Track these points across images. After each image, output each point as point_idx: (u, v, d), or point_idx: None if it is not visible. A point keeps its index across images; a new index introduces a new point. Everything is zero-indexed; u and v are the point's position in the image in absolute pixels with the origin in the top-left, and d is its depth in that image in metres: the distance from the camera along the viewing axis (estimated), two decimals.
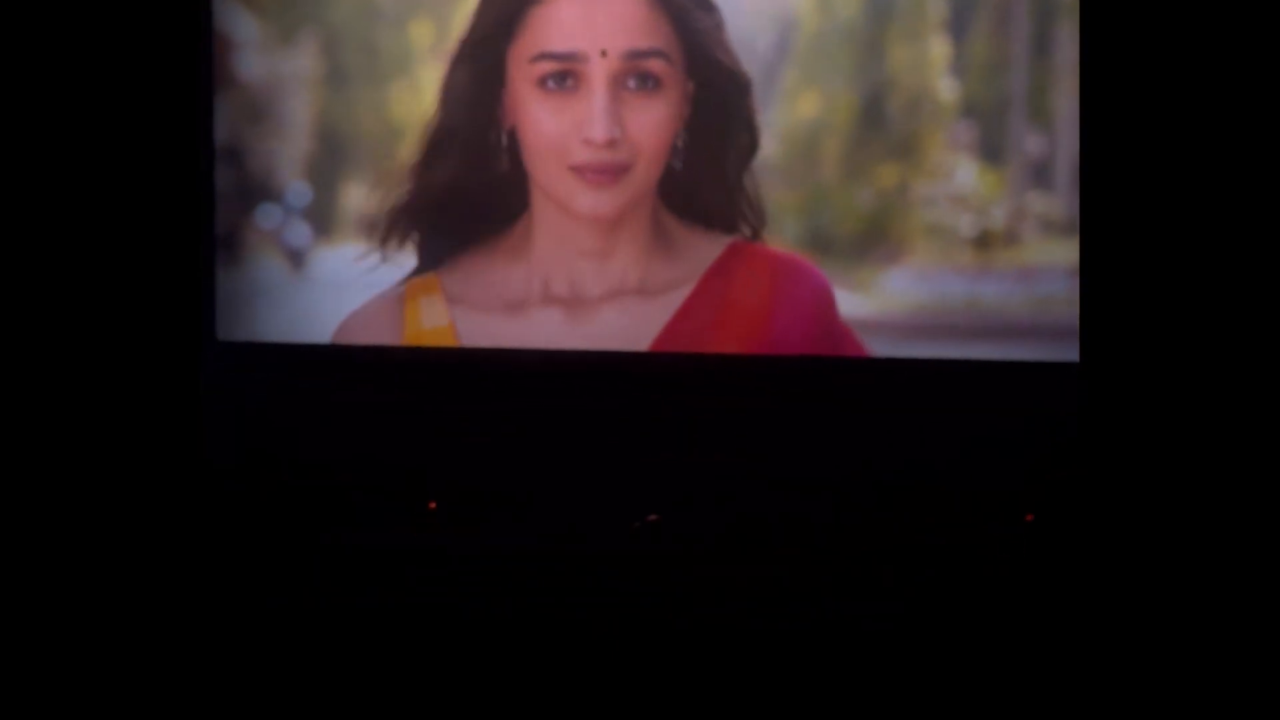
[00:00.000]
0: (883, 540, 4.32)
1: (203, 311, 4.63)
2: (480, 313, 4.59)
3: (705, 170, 4.48)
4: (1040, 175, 4.53)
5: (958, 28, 4.54)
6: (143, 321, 4.62)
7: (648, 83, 4.40)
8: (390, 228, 4.56)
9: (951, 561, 4.20)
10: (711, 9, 4.45)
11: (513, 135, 4.48)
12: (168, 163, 4.63)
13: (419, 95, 4.58)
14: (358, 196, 4.65)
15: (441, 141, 4.52)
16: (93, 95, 4.60)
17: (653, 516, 4.41)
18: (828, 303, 4.54)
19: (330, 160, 4.69)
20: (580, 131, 4.40)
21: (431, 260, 4.59)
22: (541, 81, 4.42)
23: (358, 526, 4.42)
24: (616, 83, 4.39)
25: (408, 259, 4.57)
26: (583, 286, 4.57)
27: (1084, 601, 3.94)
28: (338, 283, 4.65)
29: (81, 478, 4.46)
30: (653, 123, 4.42)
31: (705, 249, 4.54)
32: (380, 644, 3.80)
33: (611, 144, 4.40)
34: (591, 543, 4.34)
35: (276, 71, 4.70)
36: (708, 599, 4.03)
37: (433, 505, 4.54)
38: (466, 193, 4.53)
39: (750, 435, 4.54)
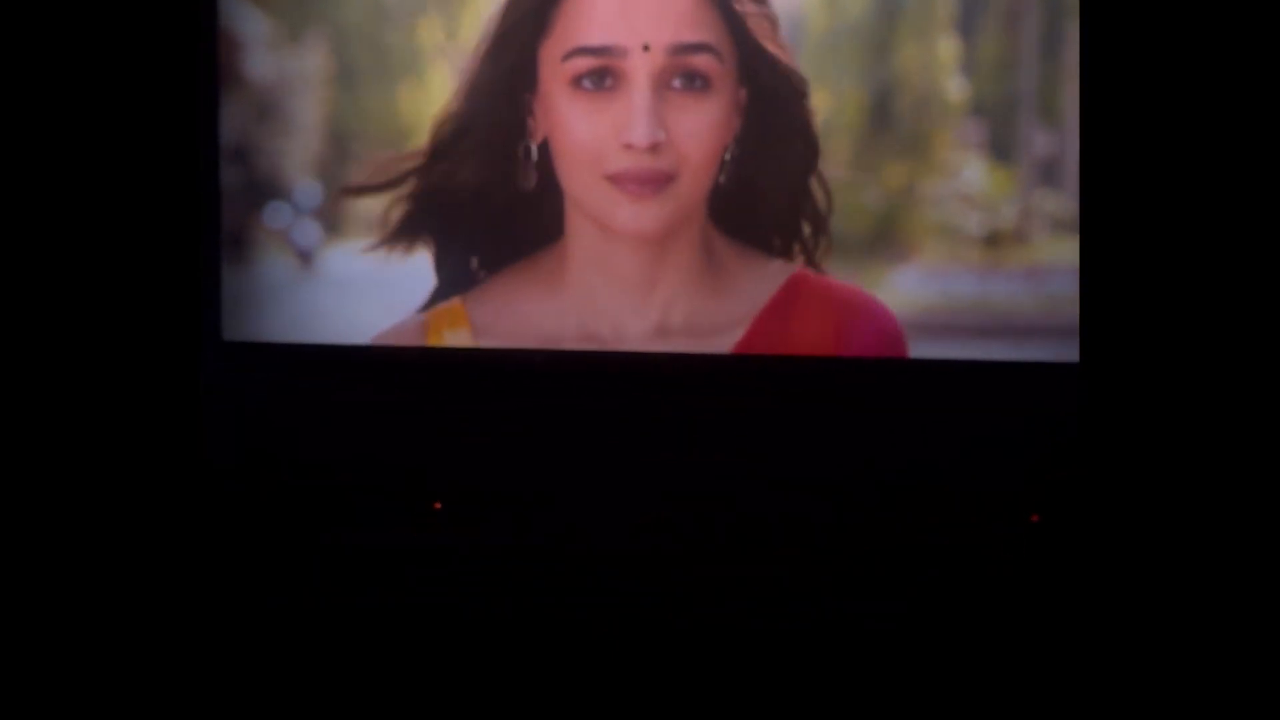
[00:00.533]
0: (884, 540, 4.31)
1: (203, 310, 4.64)
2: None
3: (761, 184, 4.24)
4: (1049, 174, 4.51)
5: (967, 26, 4.51)
6: (144, 320, 4.63)
7: (695, 83, 4.10)
8: (398, 227, 4.35)
9: (953, 561, 4.20)
10: (764, 1, 4.20)
11: (544, 150, 4.25)
12: (174, 161, 4.64)
13: (428, 95, 4.52)
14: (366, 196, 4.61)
15: (455, 137, 4.28)
16: (99, 94, 4.60)
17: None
18: (897, 349, 4.33)
19: (339, 160, 4.67)
20: (619, 136, 4.10)
21: (452, 284, 4.43)
22: (576, 81, 4.13)
23: (358, 526, 4.42)
24: (660, 81, 4.09)
25: (421, 258, 4.53)
26: (622, 325, 4.31)
27: (1085, 601, 3.94)
28: (347, 282, 4.64)
29: (82, 477, 4.47)
30: (700, 127, 4.11)
31: (762, 281, 4.31)
32: (380, 644, 3.82)
33: (654, 149, 4.08)
34: (591, 543, 4.33)
35: (285, 70, 4.67)
36: (708, 599, 4.03)
37: (438, 506, 4.53)
38: (487, 206, 4.33)
39: (750, 435, 4.48)
